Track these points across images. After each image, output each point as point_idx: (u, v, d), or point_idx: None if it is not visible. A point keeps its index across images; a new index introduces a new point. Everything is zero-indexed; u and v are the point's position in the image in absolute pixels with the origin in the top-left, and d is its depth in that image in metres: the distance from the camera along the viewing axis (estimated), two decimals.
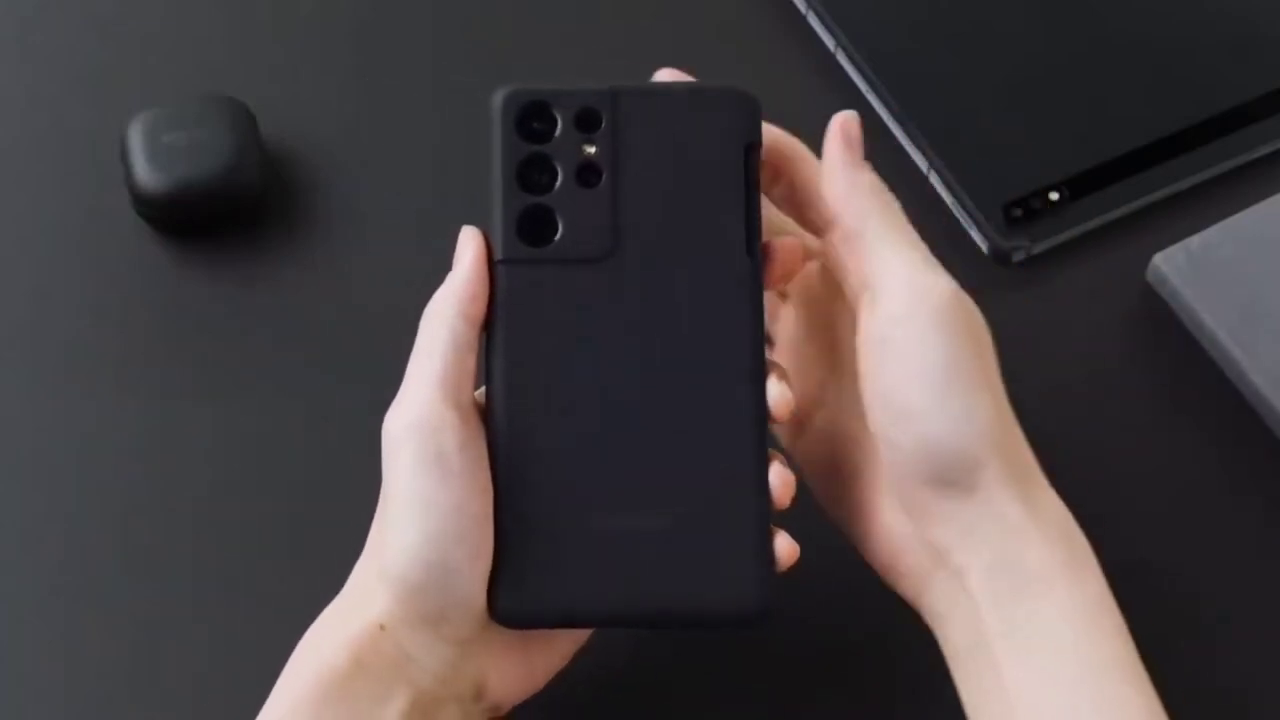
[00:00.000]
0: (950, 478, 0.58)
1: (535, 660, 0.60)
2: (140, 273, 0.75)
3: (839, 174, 0.60)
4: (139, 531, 0.69)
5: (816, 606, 0.65)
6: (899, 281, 0.58)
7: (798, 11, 0.83)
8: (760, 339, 0.59)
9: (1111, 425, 0.73)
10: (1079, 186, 0.77)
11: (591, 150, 0.60)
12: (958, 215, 0.77)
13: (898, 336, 0.58)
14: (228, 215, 0.76)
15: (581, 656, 0.62)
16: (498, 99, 0.62)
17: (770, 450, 0.58)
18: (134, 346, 0.74)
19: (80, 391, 0.72)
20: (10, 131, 0.79)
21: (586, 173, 0.60)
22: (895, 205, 0.60)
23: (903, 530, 0.60)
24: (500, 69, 0.81)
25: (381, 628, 0.57)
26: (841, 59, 0.82)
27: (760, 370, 0.59)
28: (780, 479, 0.58)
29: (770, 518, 0.58)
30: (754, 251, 0.60)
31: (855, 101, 0.80)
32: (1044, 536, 0.58)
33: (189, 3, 0.83)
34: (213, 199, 0.75)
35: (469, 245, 0.60)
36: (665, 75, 0.63)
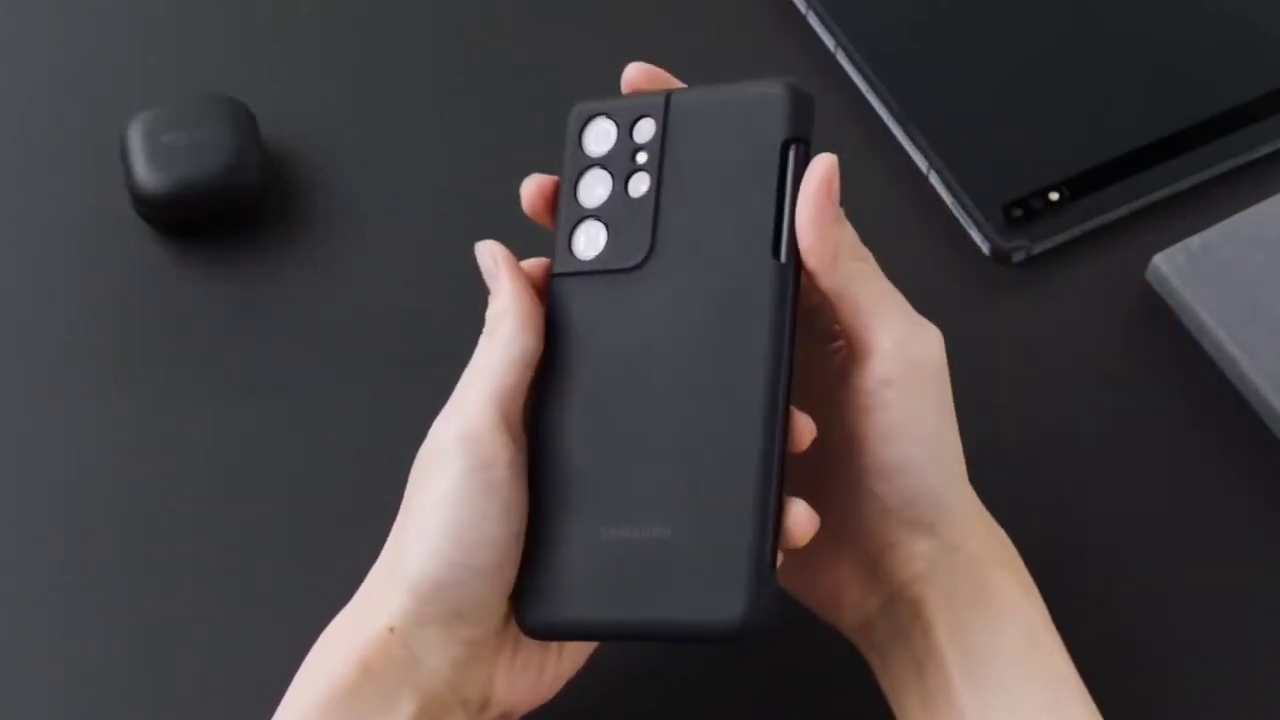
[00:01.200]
0: (927, 519, 0.59)
1: (545, 667, 0.60)
2: (140, 273, 0.75)
3: (822, 233, 0.57)
4: (139, 531, 0.69)
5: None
6: (890, 343, 0.58)
7: (798, 11, 0.83)
8: (780, 347, 0.57)
9: (1111, 425, 0.73)
10: (1079, 186, 0.77)
11: (641, 159, 0.60)
12: (958, 215, 0.77)
13: (890, 398, 0.58)
14: (228, 215, 0.76)
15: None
16: (571, 114, 0.62)
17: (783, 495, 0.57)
18: (134, 346, 0.74)
19: (80, 391, 0.73)
20: (10, 131, 0.79)
21: (635, 181, 0.60)
22: (873, 260, 0.59)
23: (850, 573, 0.60)
24: (500, 69, 0.81)
25: (391, 630, 0.57)
26: (841, 59, 0.82)
27: (774, 382, 0.57)
28: (795, 519, 0.56)
29: (772, 535, 0.56)
30: (780, 253, 0.58)
31: (855, 101, 0.80)
32: (996, 562, 0.60)
33: (189, 3, 0.83)
34: (213, 199, 0.75)
35: (497, 257, 0.60)
36: (635, 71, 0.62)
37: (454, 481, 0.56)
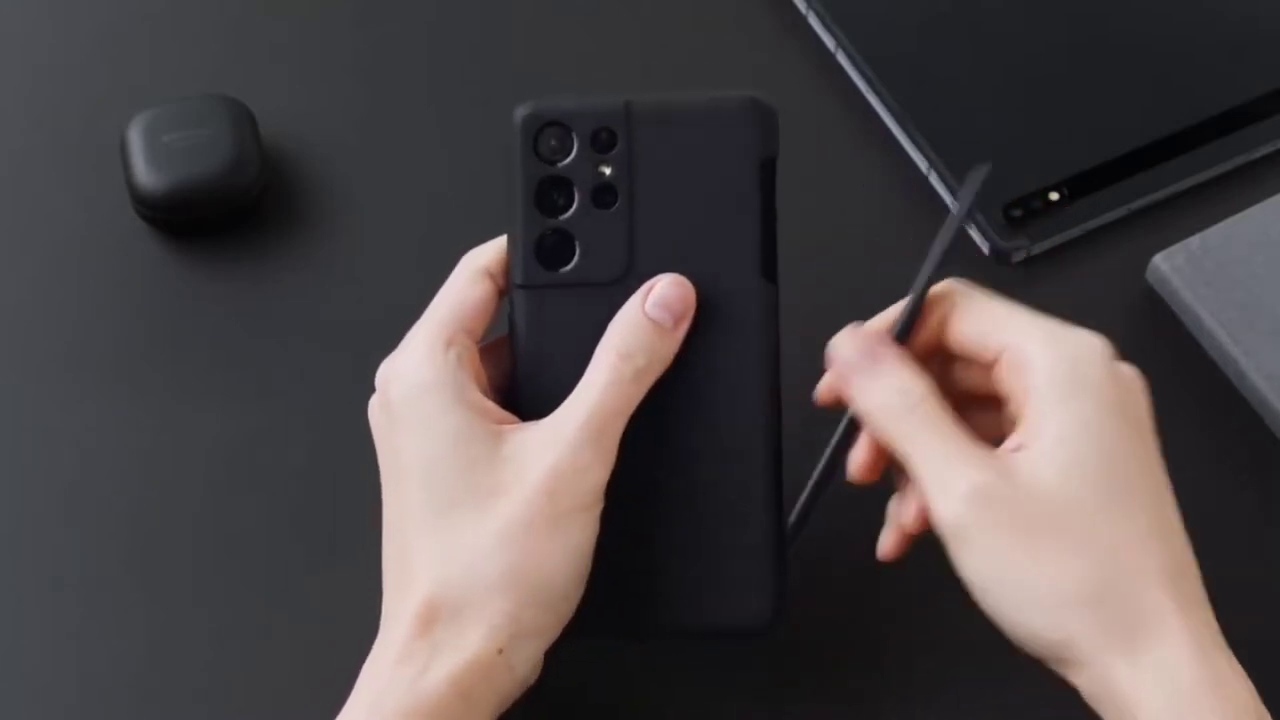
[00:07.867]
0: (1047, 656, 0.57)
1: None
2: (140, 273, 0.75)
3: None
4: (139, 531, 0.69)
5: (814, 610, 0.65)
6: (933, 497, 0.57)
7: (798, 11, 0.83)
8: (770, 361, 0.59)
9: None
10: (1079, 186, 0.77)
11: (607, 171, 0.60)
12: None
13: (951, 545, 0.57)
14: (228, 215, 0.76)
15: (581, 658, 0.62)
16: (516, 118, 0.61)
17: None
18: (134, 346, 0.74)
19: (80, 391, 0.72)
20: (10, 131, 0.79)
21: (602, 193, 0.60)
22: (916, 401, 0.58)
23: None
24: (500, 69, 0.81)
25: (500, 651, 0.57)
26: (841, 59, 0.82)
27: (768, 393, 0.59)
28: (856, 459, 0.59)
29: (781, 537, 0.59)
30: (770, 274, 0.59)
31: (855, 101, 0.80)
32: (1151, 696, 0.56)
33: (188, 2, 0.83)
34: (213, 199, 0.75)
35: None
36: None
37: (590, 541, 0.58)
